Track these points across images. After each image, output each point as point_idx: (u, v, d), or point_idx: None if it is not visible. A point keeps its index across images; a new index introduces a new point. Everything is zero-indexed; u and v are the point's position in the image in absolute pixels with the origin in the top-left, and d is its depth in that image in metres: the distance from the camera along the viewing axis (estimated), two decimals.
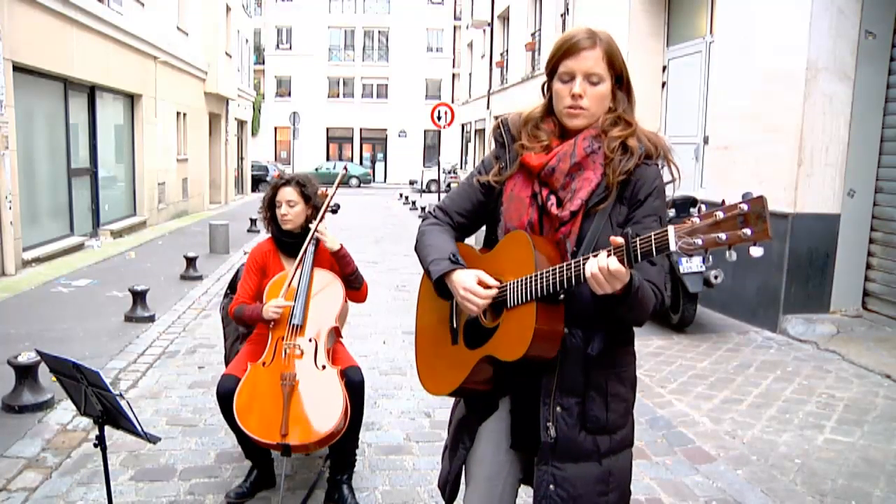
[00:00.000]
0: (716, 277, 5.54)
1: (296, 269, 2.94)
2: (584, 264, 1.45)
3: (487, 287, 1.64)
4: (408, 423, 3.92)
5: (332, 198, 3.05)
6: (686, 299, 5.64)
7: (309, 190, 3.06)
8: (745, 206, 1.24)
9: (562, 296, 1.55)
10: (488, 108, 20.93)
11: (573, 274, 1.47)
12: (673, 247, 1.29)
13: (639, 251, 1.35)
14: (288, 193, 3.03)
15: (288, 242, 3.08)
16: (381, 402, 4.22)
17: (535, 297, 1.54)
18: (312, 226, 2.99)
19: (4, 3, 7.93)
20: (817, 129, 5.63)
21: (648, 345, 5.37)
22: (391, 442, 3.64)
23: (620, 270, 1.38)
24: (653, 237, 1.33)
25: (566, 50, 1.62)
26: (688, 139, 7.83)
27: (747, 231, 1.23)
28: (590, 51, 1.60)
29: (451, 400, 1.93)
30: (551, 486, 1.65)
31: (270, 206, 3.09)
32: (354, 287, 3.12)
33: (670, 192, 1.69)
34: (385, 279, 8.29)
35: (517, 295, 1.58)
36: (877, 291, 5.87)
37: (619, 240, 1.37)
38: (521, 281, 1.57)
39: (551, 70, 1.67)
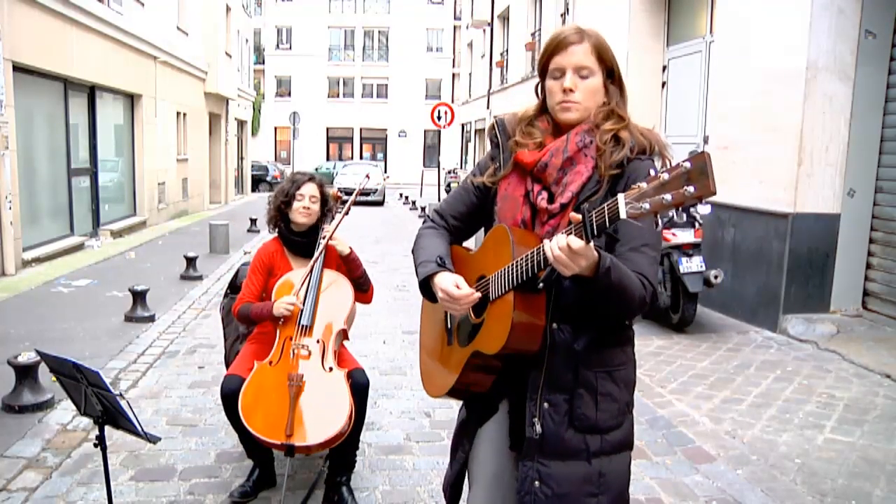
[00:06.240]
0: (716, 277, 5.54)
1: (310, 270, 2.93)
2: (544, 246, 1.43)
3: (463, 289, 1.63)
4: (408, 423, 3.92)
5: (350, 204, 3.05)
6: (686, 299, 5.64)
7: (325, 191, 3.10)
8: (688, 164, 1.22)
9: (540, 285, 1.54)
10: (488, 108, 20.92)
11: (542, 256, 1.45)
12: (623, 214, 1.27)
13: (594, 223, 1.33)
14: (312, 189, 3.04)
15: (296, 241, 3.07)
16: (381, 402, 4.22)
17: (512, 285, 1.54)
18: (328, 230, 2.98)
19: (4, 3, 7.93)
20: (817, 128, 5.63)
21: (648, 345, 5.37)
22: (391, 442, 3.64)
23: (581, 245, 1.35)
24: (605, 207, 1.31)
25: (555, 46, 1.64)
26: (688, 139, 7.83)
27: (691, 189, 1.21)
28: (578, 45, 1.62)
29: (453, 400, 1.93)
30: (536, 483, 1.64)
31: (287, 200, 3.05)
32: (363, 289, 3.12)
33: None
34: (385, 279, 8.29)
35: (497, 287, 1.59)
36: (877, 291, 5.87)
37: (578, 216, 1.36)
38: (500, 272, 1.58)
39: (542, 69, 1.69)
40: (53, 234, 9.77)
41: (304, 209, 3.01)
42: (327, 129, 39.61)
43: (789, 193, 5.71)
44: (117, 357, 4.95)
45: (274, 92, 39.82)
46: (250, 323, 3.05)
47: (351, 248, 3.03)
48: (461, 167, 29.21)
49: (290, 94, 39.50)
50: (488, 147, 1.83)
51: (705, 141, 7.49)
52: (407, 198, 22.64)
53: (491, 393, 1.76)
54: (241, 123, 24.21)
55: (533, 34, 16.65)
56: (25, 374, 3.85)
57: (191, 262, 8.08)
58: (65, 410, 3.81)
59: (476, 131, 24.56)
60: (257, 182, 27.21)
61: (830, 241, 5.77)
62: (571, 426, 1.63)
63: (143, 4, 12.95)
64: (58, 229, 10.00)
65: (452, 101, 31.74)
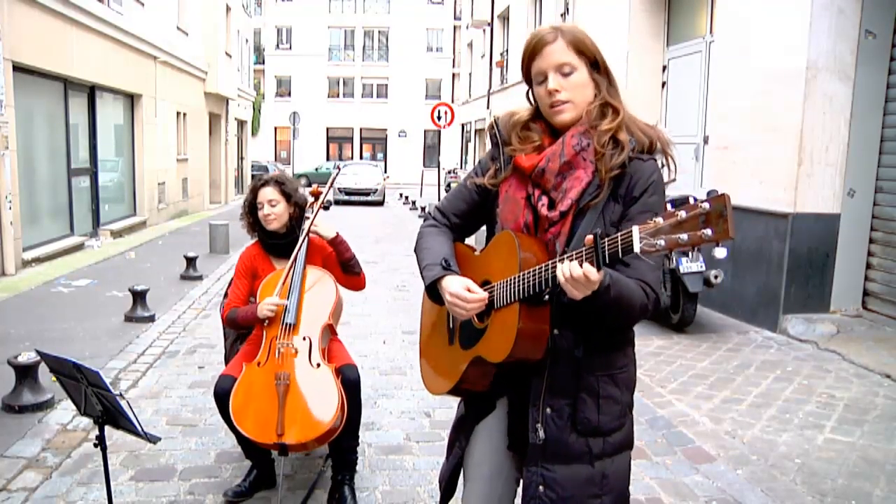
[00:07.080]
0: (716, 277, 5.54)
1: (289, 268, 2.93)
2: (553, 269, 1.42)
3: (474, 293, 1.61)
4: (408, 423, 3.92)
5: (326, 194, 3.04)
6: (686, 299, 5.64)
7: (288, 188, 3.05)
8: (706, 206, 1.20)
9: (546, 297, 1.54)
10: (488, 108, 20.93)
11: (551, 275, 1.45)
12: (636, 248, 1.26)
13: (606, 252, 1.32)
14: (268, 193, 3.02)
15: (275, 244, 3.07)
16: (381, 402, 4.22)
17: (519, 297, 1.53)
18: (306, 224, 2.98)
19: (4, 3, 7.93)
20: (817, 128, 5.63)
21: (648, 345, 5.36)
22: (391, 442, 3.64)
23: (595, 274, 1.35)
24: (619, 237, 1.30)
25: (531, 51, 1.62)
26: (688, 139, 7.83)
27: (708, 231, 1.20)
28: (552, 44, 1.59)
29: (452, 400, 1.93)
30: (540, 488, 1.64)
31: (252, 209, 3.08)
32: (354, 273, 3.11)
33: (669, 191, 1.66)
34: (385, 279, 8.29)
35: (503, 296, 1.58)
36: (877, 291, 5.87)
37: (591, 238, 1.35)
38: (507, 282, 1.57)
39: (526, 76, 1.67)
40: (53, 234, 9.77)
41: (265, 216, 3.02)
42: (327, 129, 39.62)
43: (789, 193, 5.71)
44: (117, 357, 4.95)
45: (274, 92, 39.83)
46: (239, 328, 3.06)
47: (337, 232, 3.02)
48: (461, 167, 29.21)
49: (290, 94, 39.52)
50: (489, 146, 1.82)
51: (705, 141, 7.50)
52: (407, 198, 22.62)
53: (489, 391, 1.76)
54: (241, 123, 24.21)
55: None
56: (25, 374, 3.85)
57: (191, 262, 8.08)
58: (65, 410, 3.81)
59: (476, 131, 24.57)
60: None
61: (830, 241, 5.77)
62: (574, 430, 1.63)
63: (143, 4, 12.95)
64: (58, 229, 10.00)
65: (452, 101, 31.75)
